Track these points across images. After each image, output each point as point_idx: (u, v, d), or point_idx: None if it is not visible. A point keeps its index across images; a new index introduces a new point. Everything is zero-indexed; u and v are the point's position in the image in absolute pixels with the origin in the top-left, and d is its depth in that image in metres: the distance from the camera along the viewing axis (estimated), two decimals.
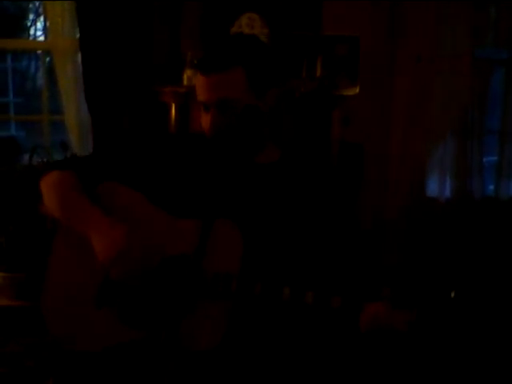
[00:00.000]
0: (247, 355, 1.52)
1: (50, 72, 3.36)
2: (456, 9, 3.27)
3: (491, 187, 3.58)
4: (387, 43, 3.34)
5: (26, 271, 2.51)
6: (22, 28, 3.76)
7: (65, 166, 1.66)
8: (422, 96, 3.38)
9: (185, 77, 3.04)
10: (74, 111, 3.28)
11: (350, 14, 3.27)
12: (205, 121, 1.53)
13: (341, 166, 3.04)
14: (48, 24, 3.27)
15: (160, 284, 1.52)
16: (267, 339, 1.54)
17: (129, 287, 1.51)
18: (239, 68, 1.46)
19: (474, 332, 1.21)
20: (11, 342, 2.10)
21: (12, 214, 2.66)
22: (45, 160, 2.83)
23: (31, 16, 5.14)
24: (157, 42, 3.08)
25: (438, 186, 3.54)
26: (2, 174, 2.88)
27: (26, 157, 2.96)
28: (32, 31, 5.54)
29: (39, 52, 3.38)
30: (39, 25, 5.24)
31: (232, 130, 1.48)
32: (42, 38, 5.16)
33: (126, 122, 3.14)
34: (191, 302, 1.43)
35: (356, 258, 1.55)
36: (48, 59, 3.49)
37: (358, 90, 3.26)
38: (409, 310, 1.26)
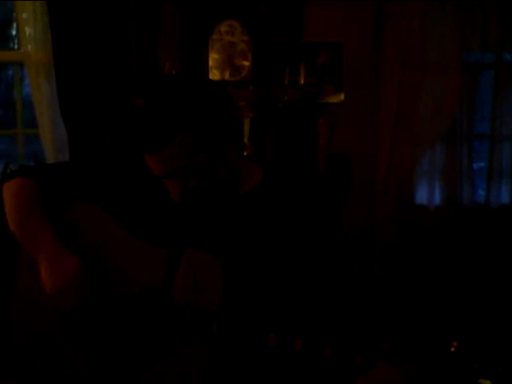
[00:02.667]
0: None
1: None
2: (443, 13, 3.19)
3: (481, 193, 3.50)
4: (372, 49, 3.25)
5: None
6: (7, 37, 3.63)
7: (31, 174, 1.56)
8: (409, 102, 3.30)
9: None
10: (48, 125, 3.15)
11: (333, 20, 3.18)
12: (166, 185, 1.41)
13: (328, 179, 2.94)
14: (20, 35, 3.15)
15: (130, 318, 1.42)
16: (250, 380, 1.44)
17: (92, 319, 1.42)
18: (187, 134, 1.28)
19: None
20: None
21: None
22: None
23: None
24: (135, 53, 2.96)
25: (427, 194, 3.46)
26: None
27: None
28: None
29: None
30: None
31: (198, 192, 1.36)
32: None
33: (105, 135, 3.02)
34: (165, 340, 1.33)
35: (347, 296, 1.44)
36: None
37: (343, 97, 3.17)
38: (407, 365, 1.17)
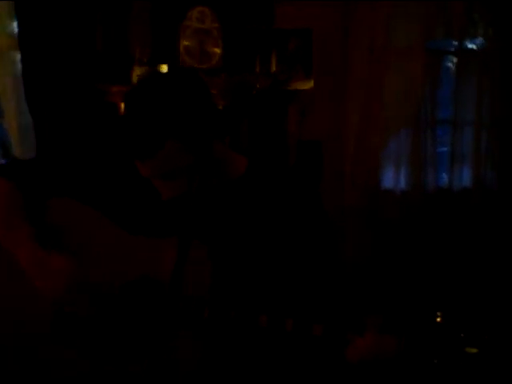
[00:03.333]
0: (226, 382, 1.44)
1: None
2: (408, 1, 3.26)
3: (444, 177, 3.61)
4: (340, 36, 3.29)
5: None
6: None
7: (8, 174, 1.53)
8: (375, 89, 3.36)
9: (134, 75, 2.89)
10: (13, 112, 3.06)
11: (302, 7, 3.20)
12: (155, 184, 1.42)
13: (300, 164, 2.98)
14: None
15: (127, 310, 1.42)
16: (245, 365, 1.46)
17: (88, 318, 1.41)
18: (169, 142, 1.28)
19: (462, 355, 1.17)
20: None
21: None
22: None
23: None
24: (102, 38, 2.90)
25: (393, 179, 3.55)
26: None
27: None
28: None
29: None
30: None
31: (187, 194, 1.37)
32: None
33: (74, 124, 2.96)
34: (162, 329, 1.34)
35: (333, 274, 1.48)
36: None
37: (312, 84, 3.21)
38: (396, 336, 1.21)
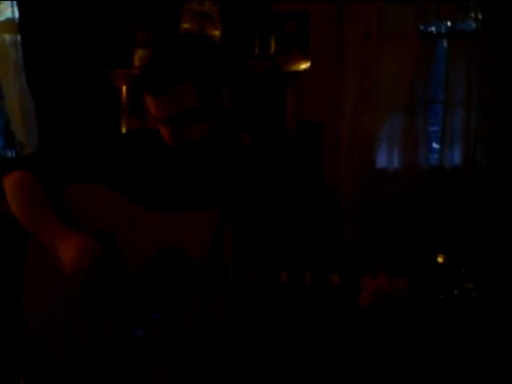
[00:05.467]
0: (250, 340, 1.53)
1: None
2: None
3: (436, 156, 3.71)
4: (335, 20, 3.36)
5: None
6: None
7: (28, 165, 1.60)
8: (370, 71, 3.44)
9: (136, 58, 2.93)
10: (16, 96, 3.09)
11: None
12: (163, 132, 1.50)
13: (300, 145, 3.06)
14: None
15: (153, 281, 1.50)
16: (268, 323, 1.55)
17: (117, 289, 1.49)
18: (188, 82, 1.40)
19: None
20: None
21: None
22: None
23: None
24: (105, 21, 2.93)
25: (386, 158, 3.65)
26: None
27: None
28: None
29: None
30: None
31: (195, 143, 1.46)
32: None
33: (76, 108, 3.00)
34: (188, 295, 1.42)
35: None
36: None
37: (309, 66, 3.27)
38: (407, 278, 1.31)
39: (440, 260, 1.26)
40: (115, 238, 1.52)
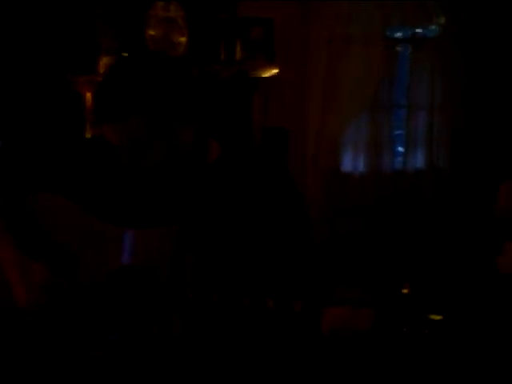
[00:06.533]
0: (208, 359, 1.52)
1: None
2: None
3: (400, 160, 3.77)
4: (301, 25, 3.37)
5: None
6: None
7: None
8: (336, 75, 3.47)
9: (101, 64, 2.89)
10: None
11: None
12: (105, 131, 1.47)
13: (266, 150, 3.06)
14: None
15: (114, 295, 1.49)
16: (227, 344, 1.55)
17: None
18: (136, 118, 1.33)
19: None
20: None
21: None
22: None
23: None
24: (69, 27, 2.88)
25: (351, 162, 3.69)
26: None
27: None
28: None
29: None
30: None
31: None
32: None
33: (39, 114, 2.93)
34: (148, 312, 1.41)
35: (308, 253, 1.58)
36: None
37: (275, 72, 3.28)
38: (370, 309, 1.32)
39: (405, 291, 1.28)
40: (78, 251, 1.49)
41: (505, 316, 1.62)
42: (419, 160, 3.75)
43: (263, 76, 3.18)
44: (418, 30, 3.53)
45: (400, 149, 3.77)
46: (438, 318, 1.30)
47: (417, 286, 1.35)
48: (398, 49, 3.57)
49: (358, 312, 1.33)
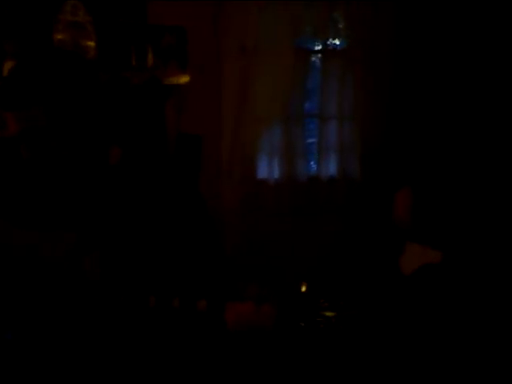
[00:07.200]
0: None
1: None
2: (276, 2, 3.45)
3: (313, 167, 3.87)
4: (213, 34, 3.41)
5: None
6: None
7: None
8: (248, 84, 3.52)
9: (5, 68, 2.81)
10: None
11: (174, 5, 3.27)
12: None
13: (179, 157, 3.06)
14: None
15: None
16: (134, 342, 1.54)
17: None
18: (40, 108, 1.41)
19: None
20: None
21: None
22: None
23: None
24: None
25: (267, 169, 3.74)
26: None
27: None
28: None
29: None
30: None
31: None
32: None
33: None
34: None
35: (212, 254, 1.61)
36: None
37: (188, 79, 3.30)
38: (271, 305, 1.37)
39: (303, 289, 1.34)
40: None
41: (401, 310, 1.69)
42: (332, 167, 3.86)
43: (176, 83, 3.19)
44: (328, 41, 3.64)
45: (313, 157, 3.86)
46: (332, 314, 1.35)
47: (313, 285, 1.40)
48: (309, 59, 3.67)
49: (261, 308, 1.36)
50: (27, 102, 1.41)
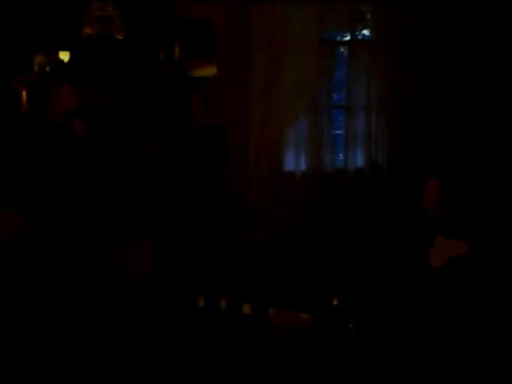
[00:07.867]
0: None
1: None
2: None
3: (340, 159, 3.85)
4: (240, 27, 3.42)
5: None
6: None
7: None
8: (275, 77, 3.52)
9: (35, 63, 2.86)
10: None
11: None
12: (75, 124, 1.53)
13: (206, 149, 3.08)
14: None
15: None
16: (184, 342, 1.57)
17: None
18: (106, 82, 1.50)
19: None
20: None
21: None
22: None
23: None
24: (4, 26, 2.84)
25: (294, 161, 3.74)
26: None
27: None
28: None
29: None
30: None
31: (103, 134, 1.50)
32: None
33: None
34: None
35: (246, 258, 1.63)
36: None
37: (215, 72, 3.31)
38: (309, 315, 1.39)
39: (335, 302, 1.36)
40: None
41: (438, 312, 1.69)
42: (359, 159, 3.84)
43: (202, 76, 3.21)
44: (354, 33, 3.62)
45: (340, 148, 3.84)
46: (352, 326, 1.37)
47: (345, 297, 1.42)
48: (336, 51, 3.65)
49: (302, 317, 1.39)
50: (94, 77, 1.54)
